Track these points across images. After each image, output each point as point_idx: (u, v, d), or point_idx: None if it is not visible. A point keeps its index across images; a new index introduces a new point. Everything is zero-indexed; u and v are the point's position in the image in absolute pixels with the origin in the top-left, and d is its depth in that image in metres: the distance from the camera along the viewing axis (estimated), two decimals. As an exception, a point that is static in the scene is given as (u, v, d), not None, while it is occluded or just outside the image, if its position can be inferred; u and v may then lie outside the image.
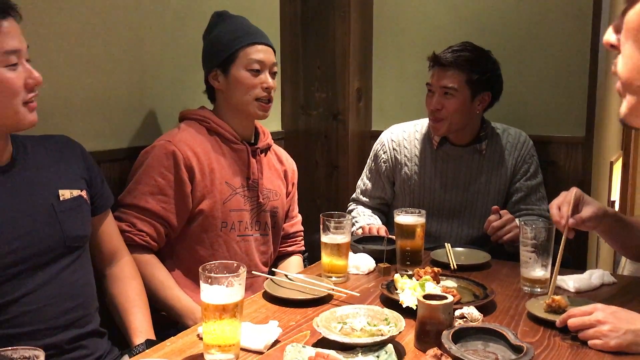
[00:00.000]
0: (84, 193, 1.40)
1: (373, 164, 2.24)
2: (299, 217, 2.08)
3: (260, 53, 1.73)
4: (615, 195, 4.10)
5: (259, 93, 1.74)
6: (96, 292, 1.43)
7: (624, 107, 0.74)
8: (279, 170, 1.93)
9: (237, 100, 1.75)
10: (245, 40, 1.72)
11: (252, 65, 1.72)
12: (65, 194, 1.35)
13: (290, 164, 2.00)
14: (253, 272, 1.62)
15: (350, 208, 2.29)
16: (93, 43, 1.75)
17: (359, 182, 2.30)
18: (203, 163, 1.69)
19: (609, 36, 0.75)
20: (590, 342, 1.17)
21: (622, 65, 0.74)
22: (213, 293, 1.10)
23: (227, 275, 1.11)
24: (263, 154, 1.86)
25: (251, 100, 1.74)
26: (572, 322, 1.21)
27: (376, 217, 2.20)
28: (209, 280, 1.10)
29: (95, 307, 1.41)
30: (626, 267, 4.82)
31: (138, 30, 1.90)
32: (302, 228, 2.08)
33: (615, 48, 0.74)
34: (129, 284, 1.51)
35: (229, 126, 1.77)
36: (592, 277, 1.56)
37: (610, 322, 1.16)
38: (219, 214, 1.71)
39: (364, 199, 2.26)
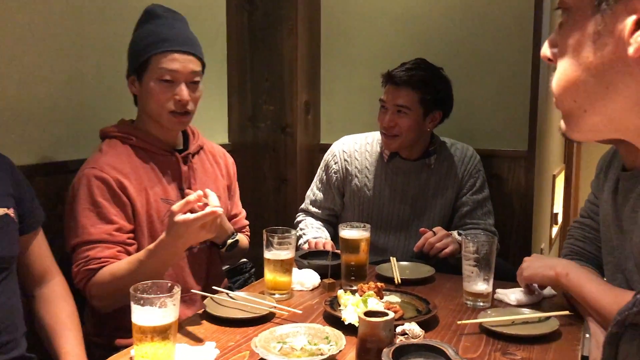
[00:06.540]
0: (11, 211, 1.32)
1: (324, 174, 2.23)
2: (243, 212, 1.96)
3: (175, 62, 1.57)
4: (558, 208, 4.23)
5: (171, 106, 1.59)
6: (23, 315, 1.35)
7: (563, 123, 0.74)
8: (215, 170, 1.82)
9: (150, 111, 1.63)
10: (160, 47, 1.56)
11: (164, 75, 1.56)
12: None
13: (227, 159, 1.89)
14: (192, 290, 1.57)
15: (298, 219, 2.26)
16: (29, 51, 1.68)
17: (309, 192, 2.28)
18: (134, 183, 1.58)
19: (546, 50, 0.75)
20: None
21: (555, 80, 0.74)
22: (145, 314, 1.05)
23: (159, 295, 1.06)
24: (196, 156, 1.76)
25: (165, 113, 1.60)
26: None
27: (324, 229, 2.18)
28: (141, 302, 1.05)
29: (22, 331, 1.32)
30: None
31: (77, 39, 1.84)
32: (247, 222, 1.96)
33: (551, 61, 0.74)
34: (60, 305, 1.43)
35: (153, 136, 1.66)
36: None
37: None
38: (159, 233, 1.57)
39: (314, 209, 2.24)
